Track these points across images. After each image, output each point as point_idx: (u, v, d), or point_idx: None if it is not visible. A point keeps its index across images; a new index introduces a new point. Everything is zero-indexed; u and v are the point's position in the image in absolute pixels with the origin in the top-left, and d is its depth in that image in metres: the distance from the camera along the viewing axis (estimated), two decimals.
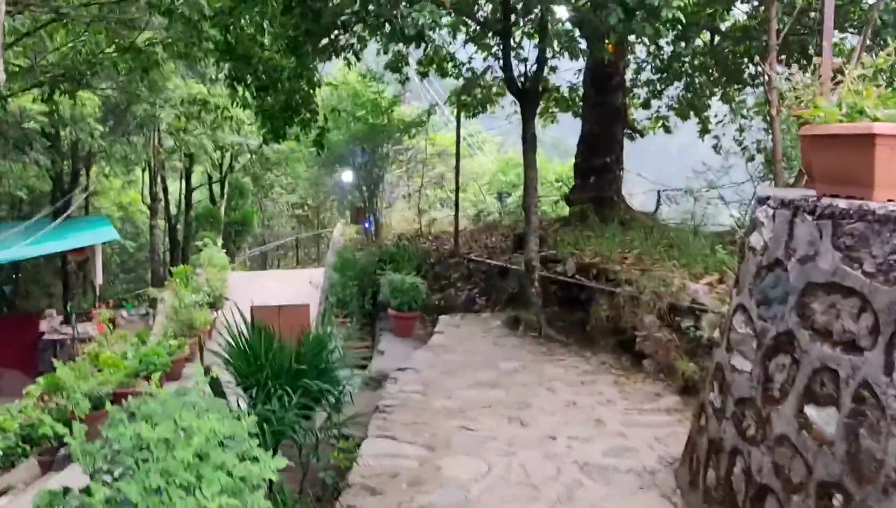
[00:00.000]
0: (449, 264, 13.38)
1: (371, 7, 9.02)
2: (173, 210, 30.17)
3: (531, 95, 9.56)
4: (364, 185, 15.78)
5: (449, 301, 12.43)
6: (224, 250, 25.11)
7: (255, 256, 37.04)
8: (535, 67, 9.93)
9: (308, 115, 11.97)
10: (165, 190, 31.21)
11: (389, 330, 11.61)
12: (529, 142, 9.55)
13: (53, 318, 22.59)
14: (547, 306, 9.93)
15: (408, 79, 15.87)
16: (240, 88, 10.43)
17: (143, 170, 26.65)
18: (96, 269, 20.31)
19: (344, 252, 13.20)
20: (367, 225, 16.39)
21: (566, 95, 16.45)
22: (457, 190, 13.41)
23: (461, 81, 16.31)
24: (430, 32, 7.76)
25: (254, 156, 26.51)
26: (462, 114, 18.05)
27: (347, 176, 16.40)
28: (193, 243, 23.91)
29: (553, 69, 16.69)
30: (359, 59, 15.01)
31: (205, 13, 8.44)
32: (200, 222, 26.27)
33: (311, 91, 12.08)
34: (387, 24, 8.84)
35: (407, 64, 16.11)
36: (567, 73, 16.47)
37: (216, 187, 29.93)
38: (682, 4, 6.57)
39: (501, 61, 10.34)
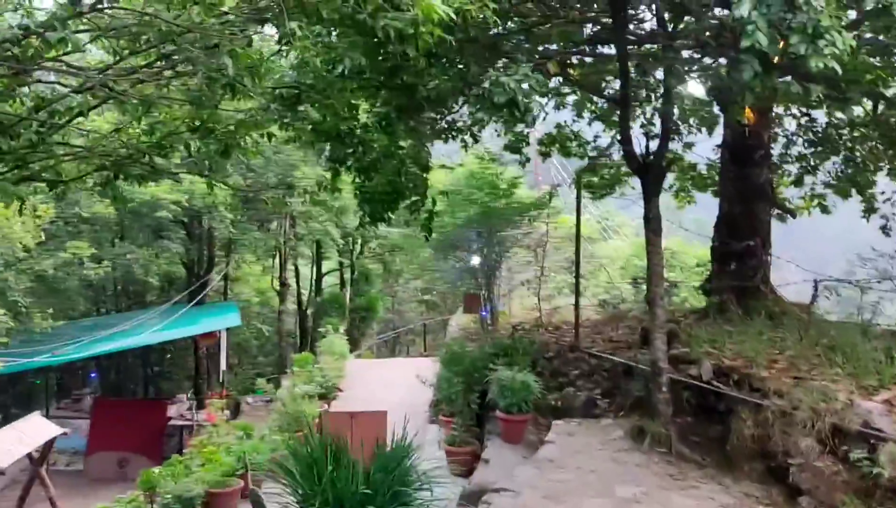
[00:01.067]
0: (568, 359, 12.08)
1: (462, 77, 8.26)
2: (306, 296, 30.84)
3: (653, 170, 8.38)
4: (480, 270, 14.93)
5: (566, 402, 11.08)
6: (347, 337, 24.99)
7: (384, 342, 36.94)
8: (658, 140, 8.79)
9: (416, 198, 11.39)
10: (297, 275, 31.95)
11: (498, 434, 10.42)
12: (653, 223, 8.32)
13: (182, 403, 23.03)
14: (678, 415, 8.45)
15: (528, 160, 15.12)
16: (342, 170, 9.98)
17: (273, 256, 27.35)
18: (221, 354, 20.52)
19: (452, 344, 12.25)
20: (484, 313, 15.44)
21: (703, 172, 15.12)
22: (577, 276, 12.22)
23: (586, 161, 15.42)
24: (526, 100, 6.82)
25: (379, 241, 26.57)
26: (589, 195, 17.07)
27: (465, 261, 15.67)
28: (319, 329, 23.88)
29: (689, 145, 15.47)
30: (476, 141, 14.45)
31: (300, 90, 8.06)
32: (326, 308, 26.34)
33: (421, 172, 11.56)
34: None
35: (527, 144, 15.39)
36: (705, 147, 15.16)
37: (347, 273, 30.26)
38: (836, 52, 5.30)
39: (620, 134, 9.28)
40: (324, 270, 33.08)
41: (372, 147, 9.70)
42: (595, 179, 16.20)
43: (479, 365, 11.79)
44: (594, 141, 15.23)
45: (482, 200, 14.55)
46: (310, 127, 8.74)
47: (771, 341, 8.56)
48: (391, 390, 17.26)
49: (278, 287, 26.71)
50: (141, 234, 20.82)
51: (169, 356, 33.04)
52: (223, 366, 20.75)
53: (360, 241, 26.56)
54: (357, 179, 10.22)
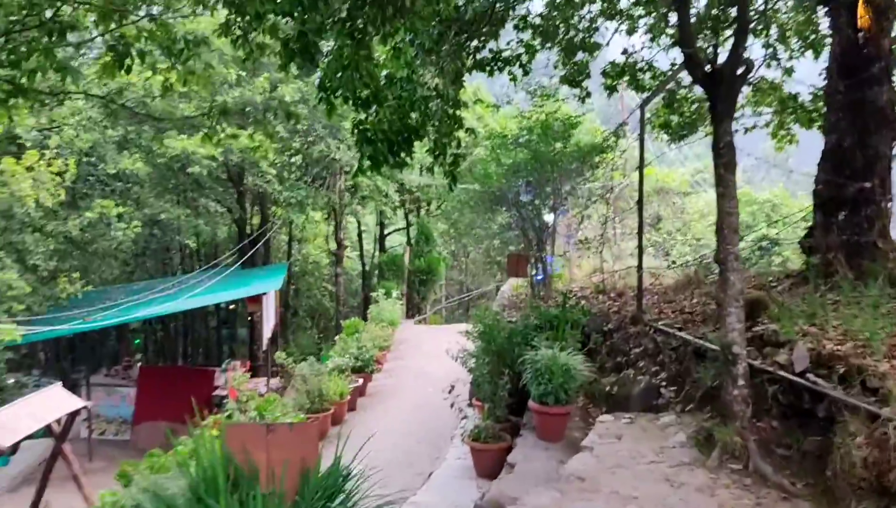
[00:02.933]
0: (629, 333, 10.01)
1: None
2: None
3: (725, 81, 6.11)
4: (530, 227, 12.90)
5: (623, 389, 9.07)
6: (405, 301, 23.47)
7: (456, 305, 35.41)
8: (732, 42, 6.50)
9: (438, 137, 9.50)
10: (360, 235, 30.68)
11: (532, 429, 8.55)
12: (724, 154, 6.10)
13: (233, 371, 22.18)
14: (760, 418, 6.34)
15: (588, 94, 12.95)
16: (335, 99, 8.14)
17: (328, 215, 26.09)
18: (264, 320, 19.34)
19: (481, 314, 10.34)
20: (538, 277, 13.44)
21: (807, 104, 12.59)
22: (640, 231, 10.05)
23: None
24: None
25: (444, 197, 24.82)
26: (667, 138, 14.72)
27: (512, 216, 13.61)
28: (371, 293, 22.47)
29: (789, 72, 12.93)
30: (526, 73, 12.47)
31: None
32: (384, 271, 24.88)
33: (449, 107, 9.70)
34: None
35: (587, 75, 13.23)
36: (809, 72, 12.58)
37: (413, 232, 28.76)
38: None
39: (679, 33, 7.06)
40: (389, 229, 31.74)
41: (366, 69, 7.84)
42: (674, 116, 13.89)
43: (516, 340, 9.90)
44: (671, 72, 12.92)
45: (532, 143, 12.45)
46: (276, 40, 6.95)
47: (893, 318, 6.29)
48: (441, 361, 15.63)
49: (335, 248, 25.45)
50: (173, 192, 19.74)
51: (225, 321, 32.65)
52: (266, 333, 19.58)
53: (420, 197, 24.81)
54: (355, 113, 8.39)
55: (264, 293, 18.83)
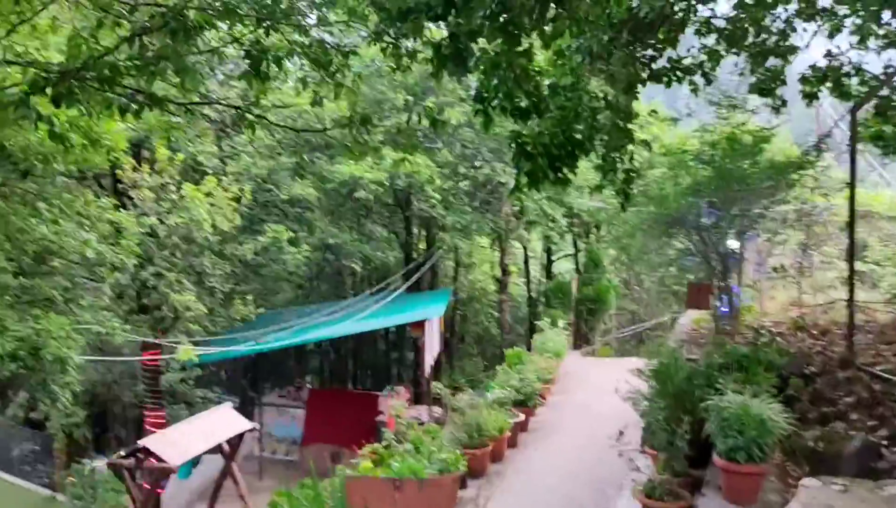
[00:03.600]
0: (837, 379, 8.48)
1: None
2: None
3: None
4: (715, 253, 11.52)
5: (832, 446, 7.60)
6: (573, 331, 22.42)
7: (629, 336, 33.68)
8: None
9: (608, 153, 8.60)
10: (526, 261, 29.96)
11: (718, 488, 7.32)
12: None
13: (399, 396, 22.11)
14: None
15: (784, 103, 11.48)
16: (492, 110, 7.48)
17: (494, 240, 25.60)
18: (426, 347, 19.04)
19: (658, 350, 9.19)
20: (723, 309, 12.01)
21: None
22: (850, 255, 8.53)
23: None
24: None
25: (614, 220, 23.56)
26: (878, 151, 12.81)
27: (694, 242, 12.22)
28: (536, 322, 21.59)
29: None
30: (709, 82, 11.29)
31: None
32: (550, 299, 23.95)
33: (620, 120, 8.81)
34: None
35: (782, 82, 11.78)
36: None
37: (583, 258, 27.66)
38: None
39: None
40: (557, 255, 30.79)
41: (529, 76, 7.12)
42: (886, 127, 12.04)
43: (698, 382, 8.68)
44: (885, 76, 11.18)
45: (716, 159, 11.16)
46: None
47: None
48: (609, 398, 14.45)
49: (500, 275, 24.90)
50: (343, 217, 20.03)
51: (394, 344, 32.95)
52: (429, 360, 19.25)
53: (589, 221, 23.71)
54: (514, 125, 7.68)
55: (427, 319, 18.54)
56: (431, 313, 18.82)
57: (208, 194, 15.49)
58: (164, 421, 19.84)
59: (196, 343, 16.33)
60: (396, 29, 6.37)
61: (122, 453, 13.66)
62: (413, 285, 24.87)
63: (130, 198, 14.99)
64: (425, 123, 8.20)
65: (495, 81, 7.09)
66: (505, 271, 24.51)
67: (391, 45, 6.50)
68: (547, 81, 8.07)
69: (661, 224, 11.77)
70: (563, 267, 33.23)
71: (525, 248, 29.14)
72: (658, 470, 7.92)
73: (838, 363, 8.71)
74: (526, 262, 29.69)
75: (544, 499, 10.34)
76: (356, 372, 34.34)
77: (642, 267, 26.31)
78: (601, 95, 8.57)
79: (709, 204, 11.32)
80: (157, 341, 15.46)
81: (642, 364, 9.10)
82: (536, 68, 7.55)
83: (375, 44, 6.60)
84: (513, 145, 7.62)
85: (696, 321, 12.73)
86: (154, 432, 16.49)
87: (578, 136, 8.06)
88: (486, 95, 7.42)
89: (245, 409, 23.91)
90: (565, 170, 8.15)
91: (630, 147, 8.93)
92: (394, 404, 13.66)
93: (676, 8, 9.97)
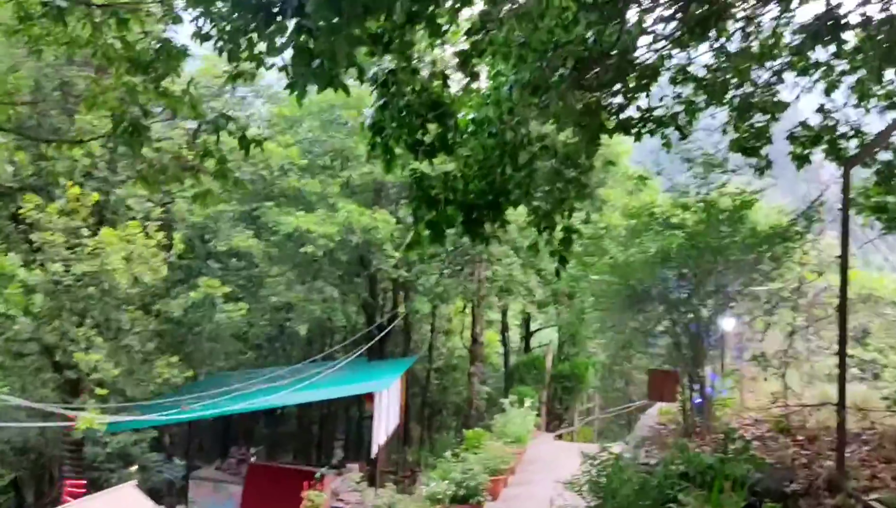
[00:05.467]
0: (822, 505, 6.73)
1: None
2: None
3: None
4: (684, 335, 9.86)
5: None
6: (545, 411, 20.59)
7: (608, 418, 31.68)
8: None
9: (542, 205, 7.07)
10: (504, 331, 28.24)
11: None
12: None
13: (350, 475, 20.12)
14: None
15: (769, 165, 10.04)
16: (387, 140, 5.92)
17: (465, 306, 23.95)
18: (375, 421, 17.21)
19: (599, 460, 7.45)
20: (697, 401, 10.28)
21: None
22: (841, 349, 6.88)
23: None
24: None
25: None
26: (881, 225, 11.32)
27: (657, 320, 10.50)
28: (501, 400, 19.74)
29: None
30: (684, 136, 9.96)
31: None
32: (521, 374, 22.15)
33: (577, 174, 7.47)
34: None
35: (768, 141, 10.40)
36: None
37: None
38: None
39: None
40: (537, 325, 29.08)
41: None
42: (890, 197, 10.59)
43: (649, 498, 6.97)
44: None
45: (690, 225, 9.61)
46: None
47: None
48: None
49: (470, 344, 23.16)
50: (293, 274, 18.39)
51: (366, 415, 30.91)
52: (380, 437, 17.41)
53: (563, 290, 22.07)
54: (412, 160, 6.09)
55: (378, 391, 16.79)
56: (382, 385, 17.07)
57: (129, 242, 13.94)
58: (84, 491, 17.94)
59: (107, 410, 14.54)
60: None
61: None
62: (378, 352, 23.14)
63: (31, 243, 13.45)
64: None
65: (384, 103, 5.59)
66: (475, 341, 22.77)
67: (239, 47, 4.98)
68: (467, 114, 6.59)
69: (623, 297, 10.13)
70: (546, 338, 31.45)
71: (504, 315, 27.45)
72: None
73: (826, 482, 6.98)
74: (503, 331, 27.95)
75: None
76: (322, 440, 32.16)
77: (632, 343, 24.56)
78: (537, 135, 7.10)
79: (679, 276, 9.75)
80: (52, 407, 13.65)
81: (579, 474, 7.37)
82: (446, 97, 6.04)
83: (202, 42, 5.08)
84: (413, 187, 6.07)
85: (664, 413, 11.00)
86: (70, 501, 14.70)
87: (504, 181, 6.52)
88: (380, 122, 5.92)
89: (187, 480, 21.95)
90: (484, 225, 6.60)
91: (573, 202, 7.42)
92: (310, 494, 11.80)
93: (646, 53, 8.65)
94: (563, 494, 7.35)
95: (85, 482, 18.53)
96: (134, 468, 27.40)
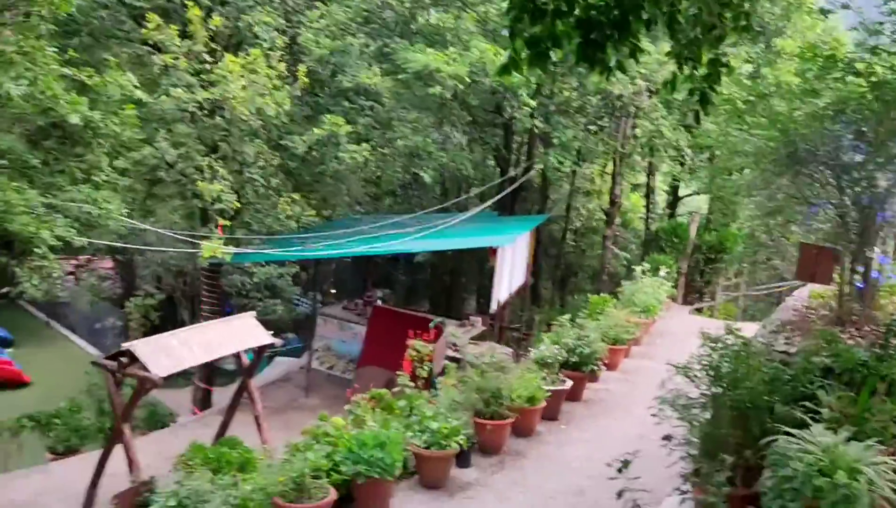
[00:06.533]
0: None
1: None
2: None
3: None
4: (851, 207, 8.20)
5: None
6: (681, 282, 19.24)
7: (761, 297, 29.66)
8: None
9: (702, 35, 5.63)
10: (649, 193, 26.52)
11: None
12: None
13: (469, 325, 19.99)
14: None
15: None
16: None
17: (605, 166, 22.38)
18: (496, 277, 16.63)
19: (729, 338, 6.29)
20: (858, 285, 8.76)
21: None
22: None
23: None
24: None
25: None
26: None
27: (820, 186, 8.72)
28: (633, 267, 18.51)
29: None
30: None
31: None
32: (660, 241, 20.67)
33: None
34: None
35: None
36: None
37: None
38: None
39: None
40: (686, 190, 27.05)
41: None
42: None
43: (775, 396, 5.87)
44: None
45: (876, 70, 7.74)
46: None
47: None
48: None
49: (608, 206, 21.81)
50: (416, 116, 17.40)
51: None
52: (500, 293, 16.88)
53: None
54: None
55: (500, 247, 16.07)
56: (506, 240, 16.32)
57: (252, 71, 13.49)
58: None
59: (234, 242, 14.75)
60: None
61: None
62: (509, 208, 22.32)
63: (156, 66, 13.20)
64: None
65: None
66: (614, 202, 21.36)
67: None
68: None
69: (782, 156, 8.48)
70: (697, 205, 29.35)
71: (649, 177, 25.64)
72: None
73: None
74: (648, 195, 26.20)
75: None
76: (452, 293, 32.42)
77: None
78: None
79: (855, 135, 8.01)
80: (174, 234, 13.94)
81: (697, 356, 6.31)
82: None
83: None
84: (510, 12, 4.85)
85: (815, 296, 9.54)
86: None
87: None
88: None
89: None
90: (606, 49, 5.32)
91: (727, 32, 5.91)
92: (416, 343, 11.45)
93: None
94: (673, 378, 6.36)
95: (219, 309, 19.47)
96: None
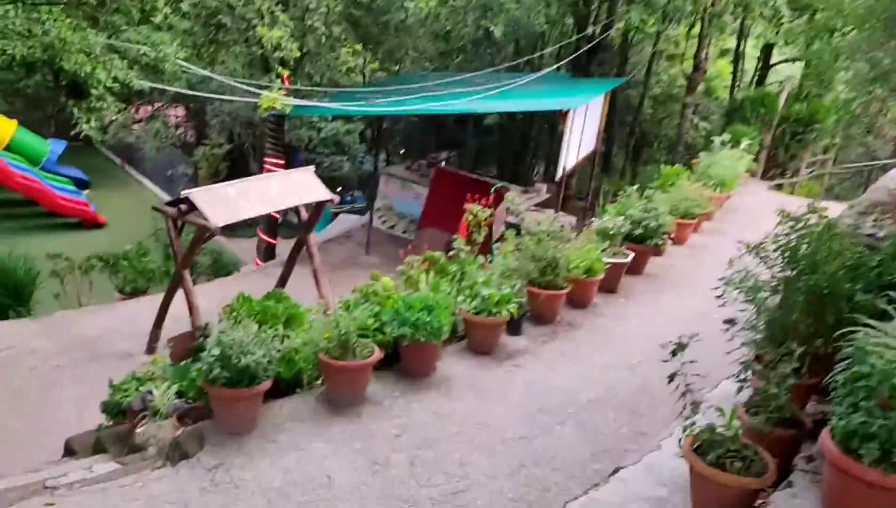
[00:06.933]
0: None
1: None
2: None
3: None
4: None
5: None
6: (756, 157, 18.11)
7: (847, 176, 28.04)
8: None
9: None
10: (737, 59, 24.75)
11: (819, 484, 4.28)
12: None
13: (534, 192, 19.50)
14: None
15: None
16: None
17: (691, 27, 20.71)
18: (564, 142, 15.90)
19: (811, 217, 5.67)
20: None
21: None
22: None
23: None
24: None
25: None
26: None
27: None
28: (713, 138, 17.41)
29: None
30: None
31: None
32: (744, 111, 19.34)
33: None
34: None
35: None
36: None
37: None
38: None
39: None
40: (779, 57, 25.11)
41: None
42: None
43: (855, 284, 5.32)
44: None
45: None
46: None
47: None
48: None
49: (690, 71, 20.39)
50: None
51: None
52: (568, 159, 16.21)
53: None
54: None
55: (570, 109, 15.24)
56: (576, 102, 15.46)
57: None
58: (282, 168, 18.83)
59: (300, 94, 14.35)
60: None
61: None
62: (584, 69, 21.15)
63: None
64: None
65: None
66: (697, 68, 19.92)
67: None
68: None
69: (891, 18, 7.40)
70: (789, 74, 27.31)
71: (739, 42, 23.81)
72: (760, 407, 4.94)
73: None
74: (736, 61, 24.43)
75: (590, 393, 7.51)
76: (520, 158, 31.62)
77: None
78: None
79: None
80: (235, 82, 13.56)
81: (771, 237, 5.74)
82: None
83: None
84: None
85: None
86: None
87: None
88: None
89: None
90: None
91: None
92: (473, 207, 11.05)
93: None
94: (743, 258, 5.84)
95: (283, 161, 19.39)
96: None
